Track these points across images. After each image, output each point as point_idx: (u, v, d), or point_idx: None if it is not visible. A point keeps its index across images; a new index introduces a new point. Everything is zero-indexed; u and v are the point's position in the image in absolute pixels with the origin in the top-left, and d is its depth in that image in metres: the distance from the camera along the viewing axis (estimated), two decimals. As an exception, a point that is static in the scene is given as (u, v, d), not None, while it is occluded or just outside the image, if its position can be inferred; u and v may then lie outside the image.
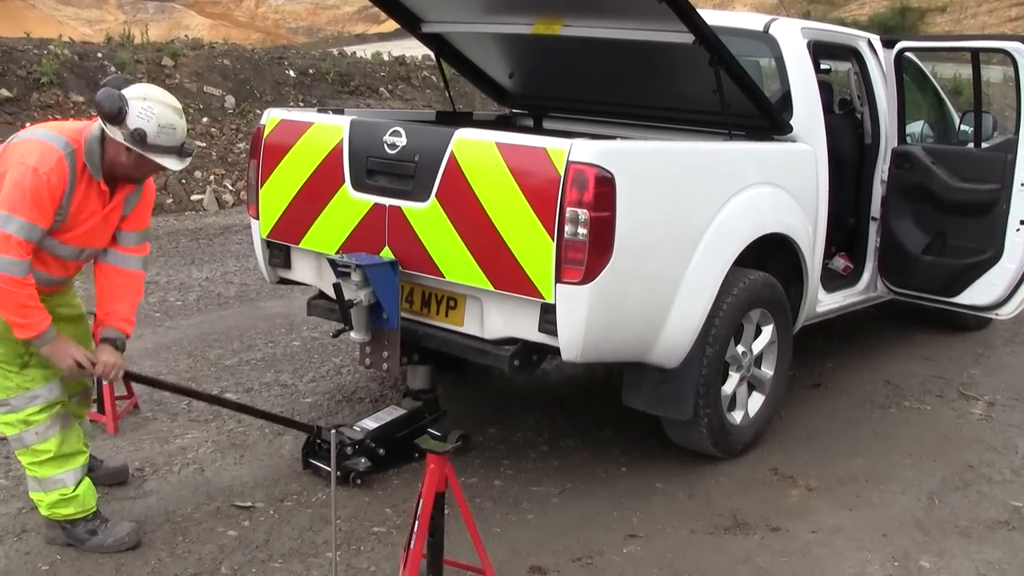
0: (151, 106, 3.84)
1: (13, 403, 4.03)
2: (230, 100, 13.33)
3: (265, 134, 5.35)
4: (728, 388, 5.15)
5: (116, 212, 4.13)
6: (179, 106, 3.98)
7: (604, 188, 4.22)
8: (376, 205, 4.84)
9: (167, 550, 4.22)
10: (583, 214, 4.19)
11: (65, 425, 4.15)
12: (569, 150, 4.24)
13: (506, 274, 4.43)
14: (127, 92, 3.85)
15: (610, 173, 4.23)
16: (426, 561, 3.64)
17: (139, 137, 3.81)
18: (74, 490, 4.13)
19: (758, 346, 5.34)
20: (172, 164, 3.97)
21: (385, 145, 4.81)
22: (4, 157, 3.82)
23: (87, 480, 4.22)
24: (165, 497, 4.67)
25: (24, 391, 4.03)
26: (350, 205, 4.94)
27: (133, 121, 3.80)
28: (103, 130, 3.88)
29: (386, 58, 17.25)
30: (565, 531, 4.51)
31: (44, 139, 3.84)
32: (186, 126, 4.02)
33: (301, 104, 13.94)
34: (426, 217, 4.65)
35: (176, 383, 4.72)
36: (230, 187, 12.07)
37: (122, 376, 4.25)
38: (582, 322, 4.33)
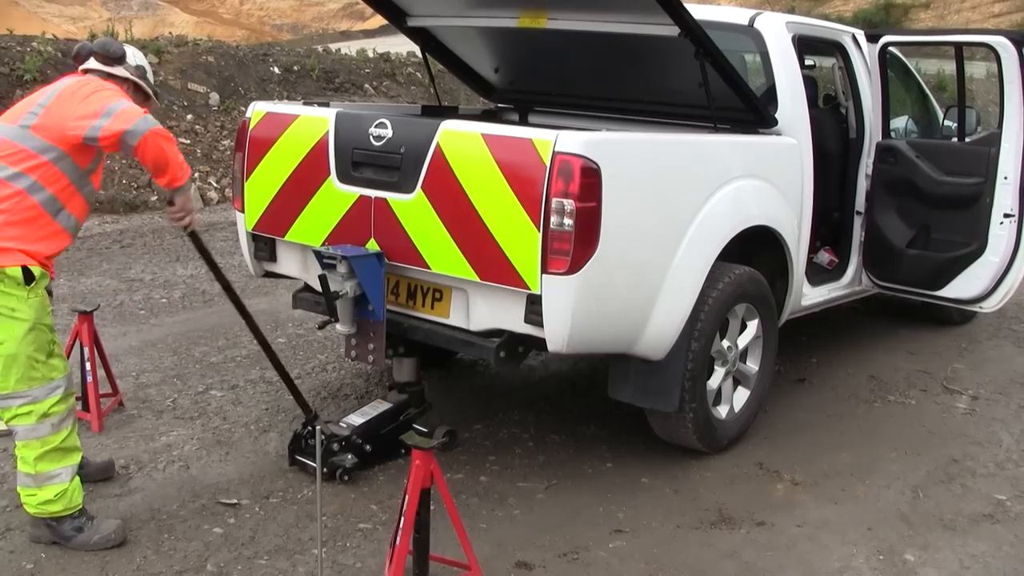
0: (136, 50, 4.58)
1: (35, 394, 4.04)
2: (214, 97, 13.29)
3: (251, 127, 5.33)
4: (713, 383, 5.16)
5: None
6: None
7: (590, 179, 4.22)
8: (362, 197, 4.83)
9: (152, 548, 4.20)
10: (569, 205, 4.19)
11: (74, 419, 4.21)
12: (555, 141, 4.24)
13: (492, 265, 4.43)
14: None
15: (596, 164, 4.24)
16: (412, 557, 3.65)
17: (142, 71, 4.49)
18: (65, 488, 4.13)
19: (743, 341, 5.35)
20: (153, 98, 4.59)
21: (371, 137, 4.80)
22: (62, 105, 4.09)
23: (77, 478, 4.21)
24: (150, 495, 4.66)
25: (48, 381, 4.06)
26: (336, 197, 4.93)
27: (134, 59, 4.48)
28: (107, 79, 4.31)
29: (371, 55, 17.21)
30: (551, 527, 4.52)
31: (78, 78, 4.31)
32: None
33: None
34: (412, 209, 4.65)
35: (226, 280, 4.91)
36: (215, 184, 12.03)
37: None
38: (568, 313, 4.33)
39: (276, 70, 14.58)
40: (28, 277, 3.95)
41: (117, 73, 4.34)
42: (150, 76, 4.59)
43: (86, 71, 4.32)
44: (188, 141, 12.31)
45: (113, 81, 4.30)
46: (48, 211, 4.03)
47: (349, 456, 4.84)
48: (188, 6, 54.87)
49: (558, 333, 4.38)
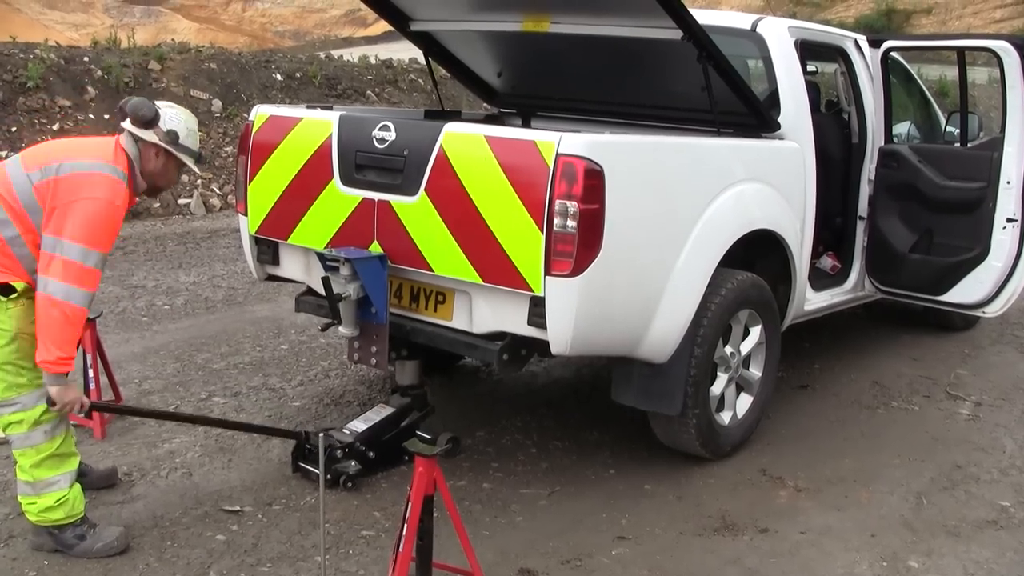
0: (179, 112, 4.32)
1: (24, 401, 4.05)
2: (217, 104, 13.31)
3: (254, 130, 5.34)
4: (716, 389, 5.15)
5: None
6: (195, 120, 4.45)
7: (593, 181, 4.22)
8: (365, 200, 4.83)
9: (155, 555, 4.20)
10: (572, 206, 4.19)
11: (68, 426, 4.20)
12: (558, 143, 4.24)
13: (495, 267, 4.43)
14: (157, 104, 4.27)
15: (599, 166, 4.24)
16: (415, 564, 3.63)
17: (173, 137, 4.22)
18: (66, 494, 4.13)
19: (746, 347, 5.35)
20: (194, 165, 4.39)
21: (374, 140, 4.80)
22: (61, 191, 3.96)
23: (77, 485, 4.21)
24: (153, 502, 4.65)
25: (36, 388, 4.06)
26: (339, 200, 4.93)
27: (166, 124, 4.21)
28: (136, 141, 4.20)
29: (373, 61, 17.22)
30: (554, 533, 4.51)
31: (102, 171, 4.05)
32: None
33: (288, 107, 13.89)
34: (415, 211, 4.65)
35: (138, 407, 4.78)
36: (217, 191, 12.04)
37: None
38: (571, 315, 4.32)
39: (278, 77, 14.60)
40: (7, 290, 3.97)
41: (146, 138, 4.20)
42: (190, 141, 4.31)
43: (123, 130, 4.22)
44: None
45: (142, 144, 4.20)
46: (25, 268, 4.01)
47: (352, 463, 4.84)
48: (190, 13, 54.92)
49: (561, 335, 4.38)
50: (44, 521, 4.13)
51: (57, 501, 4.11)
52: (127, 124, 4.18)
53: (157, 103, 4.27)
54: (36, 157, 4.10)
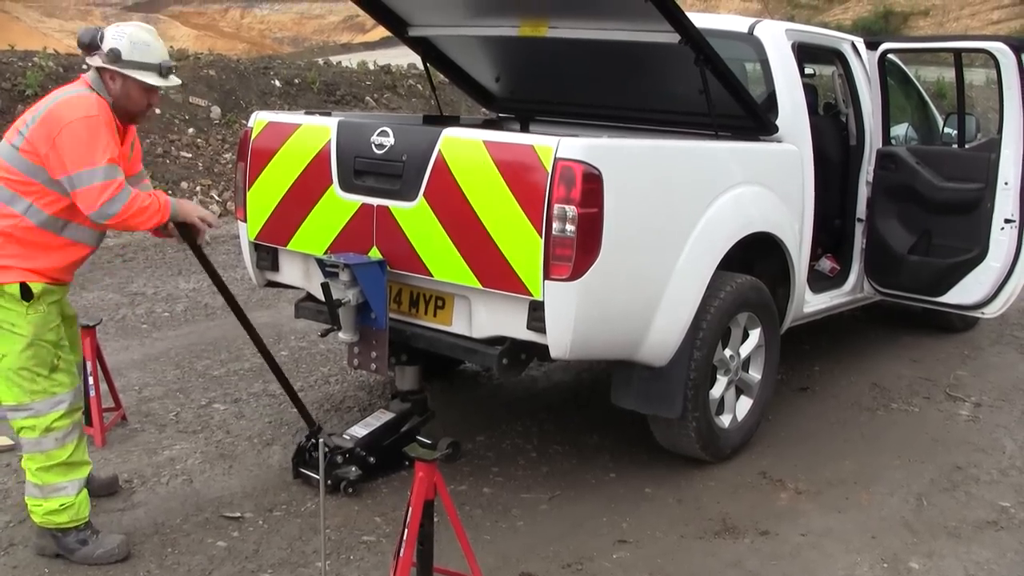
0: (123, 27, 4.14)
1: (37, 407, 4.06)
2: (216, 111, 13.31)
3: (252, 136, 5.34)
4: (716, 392, 5.16)
5: (126, 152, 4.33)
6: (154, 31, 4.25)
7: (592, 184, 4.23)
8: (364, 205, 4.84)
9: (156, 561, 4.20)
10: (571, 211, 4.20)
11: (81, 434, 4.22)
12: (556, 147, 4.25)
13: (494, 272, 4.43)
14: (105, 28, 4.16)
15: (597, 170, 4.24)
16: (416, 569, 3.63)
17: (115, 55, 4.05)
18: (73, 500, 4.14)
19: (745, 350, 5.35)
20: (152, 79, 4.14)
21: (373, 145, 4.81)
22: (41, 137, 3.97)
23: (85, 491, 4.23)
24: (153, 508, 4.66)
25: (50, 396, 4.08)
26: (338, 206, 4.94)
27: (108, 43, 4.06)
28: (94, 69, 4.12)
29: (372, 67, 17.23)
30: (555, 537, 4.51)
31: (65, 96, 4.06)
32: (164, 49, 4.26)
33: (287, 114, 13.89)
34: (414, 216, 4.66)
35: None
36: (216, 198, 12.03)
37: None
38: (570, 319, 4.33)
39: (277, 83, 14.60)
40: (27, 294, 3.98)
41: (94, 64, 4.11)
42: (138, 54, 4.09)
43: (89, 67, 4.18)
44: (189, 155, 12.33)
45: (99, 72, 4.11)
46: (50, 230, 4.04)
47: (353, 468, 4.84)
48: (189, 20, 55.01)
49: (561, 339, 4.38)
50: (48, 524, 4.15)
51: (62, 505, 4.12)
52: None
53: (112, 26, 4.18)
54: (10, 130, 4.13)
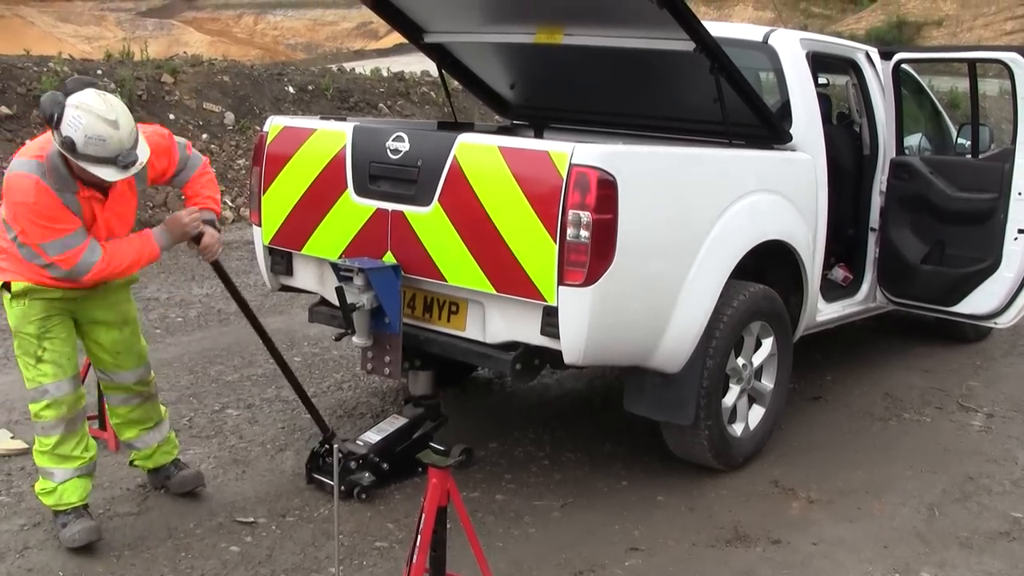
0: (80, 115, 3.81)
1: (32, 393, 4.30)
2: (229, 117, 13.34)
3: (268, 141, 5.37)
4: (729, 400, 5.16)
5: (124, 197, 4.32)
6: (114, 117, 3.88)
7: (606, 191, 4.24)
8: (379, 210, 4.86)
9: (169, 566, 4.22)
10: (585, 216, 4.21)
11: (69, 430, 4.31)
12: (571, 153, 4.26)
13: (508, 277, 4.45)
14: (71, 98, 3.85)
15: (612, 176, 4.26)
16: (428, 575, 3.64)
17: (69, 145, 3.82)
18: (55, 486, 4.30)
19: (758, 359, 5.35)
20: (106, 174, 3.92)
21: (388, 150, 4.83)
22: (4, 194, 4.10)
23: (76, 481, 4.34)
24: (167, 513, 4.68)
25: (37, 384, 4.26)
26: (353, 211, 4.96)
27: (65, 128, 3.81)
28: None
29: (385, 74, 17.25)
30: (567, 545, 4.52)
31: (14, 170, 4.01)
32: (125, 137, 3.90)
33: (300, 120, 13.90)
34: (429, 222, 4.67)
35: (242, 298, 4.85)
36: (230, 203, 12.07)
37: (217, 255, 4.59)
38: (584, 324, 4.34)
39: (291, 89, 14.64)
40: (7, 287, 4.17)
41: (53, 141, 3.91)
42: (92, 148, 3.82)
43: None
44: (203, 160, 12.33)
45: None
46: (36, 263, 4.10)
47: (366, 474, 4.85)
48: (203, 26, 55.21)
49: (574, 345, 4.39)
50: (41, 499, 4.38)
51: (44, 489, 4.34)
52: None
53: (75, 96, 3.84)
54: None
